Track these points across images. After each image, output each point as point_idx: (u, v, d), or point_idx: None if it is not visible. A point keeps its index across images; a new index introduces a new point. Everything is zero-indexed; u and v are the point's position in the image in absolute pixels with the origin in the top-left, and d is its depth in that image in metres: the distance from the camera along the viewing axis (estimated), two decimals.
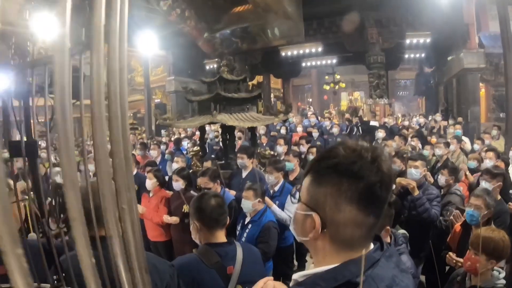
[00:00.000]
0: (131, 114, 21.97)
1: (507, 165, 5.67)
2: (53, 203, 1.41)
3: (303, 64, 18.35)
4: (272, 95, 21.02)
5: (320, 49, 14.98)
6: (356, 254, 0.95)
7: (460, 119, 11.80)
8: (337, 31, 14.06)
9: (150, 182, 4.58)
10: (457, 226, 3.55)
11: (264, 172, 5.02)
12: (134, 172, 5.37)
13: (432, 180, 4.70)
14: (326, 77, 21.66)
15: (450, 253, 3.11)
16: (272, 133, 11.13)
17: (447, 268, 3.44)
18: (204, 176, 4.25)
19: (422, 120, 12.15)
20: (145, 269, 0.81)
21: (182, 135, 11.53)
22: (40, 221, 1.55)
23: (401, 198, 3.90)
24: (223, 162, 5.67)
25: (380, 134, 8.95)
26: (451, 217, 3.77)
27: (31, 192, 1.61)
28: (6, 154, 1.55)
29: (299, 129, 11.26)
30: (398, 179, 4.17)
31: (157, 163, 7.21)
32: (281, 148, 7.35)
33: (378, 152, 0.96)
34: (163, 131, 15.20)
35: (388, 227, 2.62)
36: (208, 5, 12.98)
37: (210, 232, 2.19)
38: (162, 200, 4.54)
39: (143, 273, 0.79)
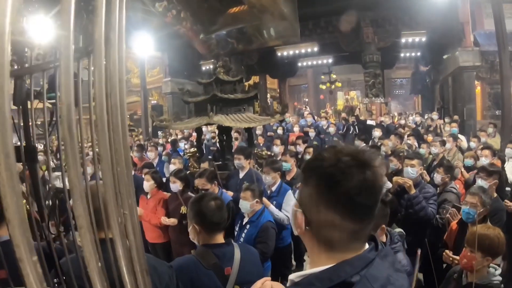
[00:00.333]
0: (128, 116, 21.86)
1: (503, 162, 5.70)
2: (53, 207, 1.42)
3: (299, 64, 18.35)
4: (268, 95, 21.03)
5: (316, 49, 15.00)
6: (350, 255, 0.96)
7: (456, 117, 11.82)
8: (333, 31, 14.11)
9: (148, 184, 4.59)
10: (454, 224, 3.57)
11: (261, 172, 5.04)
12: None
13: (428, 178, 4.73)
14: (322, 76, 21.63)
15: (447, 251, 3.13)
16: (269, 134, 11.11)
17: (444, 265, 3.46)
18: (202, 177, 4.26)
19: (418, 118, 12.12)
20: (146, 271, 0.83)
21: (179, 137, 11.50)
22: (40, 225, 1.56)
23: (397, 197, 3.91)
24: (220, 163, 5.66)
25: (377, 133, 8.97)
26: (448, 215, 3.80)
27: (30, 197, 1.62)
28: None
29: (296, 129, 11.25)
30: (395, 178, 4.21)
31: (155, 164, 7.21)
32: (277, 148, 7.36)
33: (365, 157, 0.95)
34: (159, 133, 15.17)
35: (384, 226, 2.64)
36: (203, 7, 12.97)
37: (210, 235, 2.20)
38: (160, 202, 4.55)
39: (144, 275, 0.81)
